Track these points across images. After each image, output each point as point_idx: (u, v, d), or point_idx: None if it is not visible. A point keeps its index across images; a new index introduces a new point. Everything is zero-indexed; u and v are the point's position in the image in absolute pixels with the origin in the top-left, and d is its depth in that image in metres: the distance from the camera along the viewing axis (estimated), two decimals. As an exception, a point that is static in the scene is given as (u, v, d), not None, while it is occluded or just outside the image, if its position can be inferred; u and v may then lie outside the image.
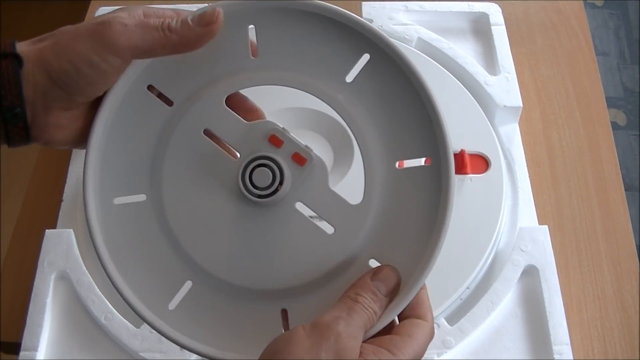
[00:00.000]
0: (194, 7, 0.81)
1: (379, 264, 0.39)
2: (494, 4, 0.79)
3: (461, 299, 0.59)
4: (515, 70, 0.72)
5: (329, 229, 0.39)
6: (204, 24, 0.38)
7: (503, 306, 0.59)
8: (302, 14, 0.39)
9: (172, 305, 0.40)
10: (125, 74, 0.39)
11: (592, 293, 0.62)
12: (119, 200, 0.40)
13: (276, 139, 0.39)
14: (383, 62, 0.39)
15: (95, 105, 0.40)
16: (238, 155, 0.40)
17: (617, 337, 0.59)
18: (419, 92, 0.39)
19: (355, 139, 0.40)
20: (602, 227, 0.66)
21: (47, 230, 0.63)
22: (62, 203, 0.67)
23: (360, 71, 0.39)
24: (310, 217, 0.40)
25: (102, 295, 0.59)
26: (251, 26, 0.40)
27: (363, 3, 0.78)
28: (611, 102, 1.66)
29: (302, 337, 0.35)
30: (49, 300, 0.59)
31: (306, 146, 0.39)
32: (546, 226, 0.62)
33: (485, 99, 0.70)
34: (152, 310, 0.39)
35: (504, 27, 0.77)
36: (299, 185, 0.39)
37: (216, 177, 0.40)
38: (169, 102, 0.41)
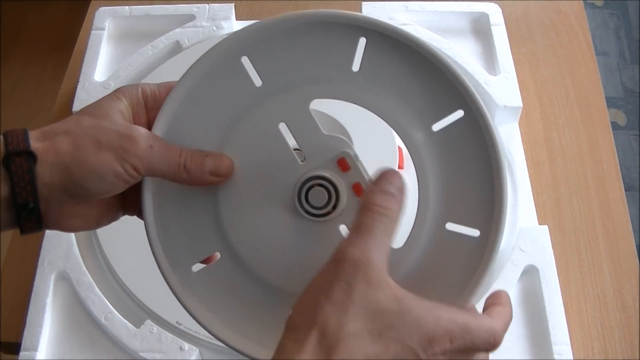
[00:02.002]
0: (194, 8, 0.81)
1: None
2: (494, 4, 0.79)
3: (461, 299, 0.59)
4: (515, 70, 0.72)
5: None
6: (216, 174, 0.40)
7: (503, 306, 0.59)
8: (413, 52, 0.38)
9: (196, 268, 0.41)
10: (224, 40, 0.39)
11: (592, 293, 0.62)
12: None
13: (345, 164, 0.39)
14: (473, 123, 0.38)
15: (110, 198, 0.40)
16: (305, 160, 0.40)
17: (617, 337, 0.59)
18: (492, 167, 0.38)
19: (418, 189, 0.39)
20: (602, 227, 0.66)
21: (47, 230, 0.63)
22: (62, 203, 0.67)
23: (449, 125, 0.39)
24: None
25: (102, 295, 0.59)
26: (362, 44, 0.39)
27: (363, 3, 0.79)
28: (611, 102, 1.66)
29: (318, 279, 0.34)
30: (49, 300, 0.59)
31: (370, 180, 0.39)
32: (546, 226, 0.62)
33: (485, 99, 0.70)
34: (174, 267, 0.41)
35: (504, 27, 0.77)
36: (349, 212, 0.39)
37: (275, 173, 0.40)
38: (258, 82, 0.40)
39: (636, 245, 0.65)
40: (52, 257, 0.61)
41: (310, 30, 0.39)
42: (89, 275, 0.60)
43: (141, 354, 0.56)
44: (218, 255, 0.41)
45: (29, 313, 0.58)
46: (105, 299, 0.59)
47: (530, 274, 0.60)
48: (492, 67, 0.75)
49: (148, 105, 0.41)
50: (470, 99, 0.38)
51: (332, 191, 0.39)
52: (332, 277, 0.33)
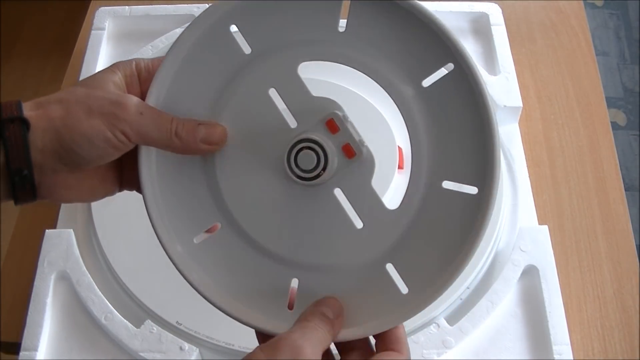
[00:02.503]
0: (194, 8, 0.81)
1: (395, 271, 0.39)
2: (494, 4, 0.79)
3: (461, 299, 0.59)
4: (515, 70, 0.72)
5: (358, 223, 0.39)
6: (209, 142, 0.40)
7: (503, 306, 0.59)
8: (398, 9, 0.38)
9: (198, 239, 0.41)
10: (210, 9, 0.40)
11: (592, 293, 0.62)
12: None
13: (333, 125, 0.39)
14: (461, 77, 0.38)
15: (105, 167, 0.40)
16: (295, 123, 0.40)
17: (617, 337, 0.59)
18: (483, 121, 0.38)
19: (411, 146, 0.39)
20: (602, 227, 0.66)
21: (47, 230, 0.63)
22: (62, 203, 0.67)
23: (438, 80, 0.38)
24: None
25: (102, 295, 0.59)
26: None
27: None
28: (611, 102, 1.66)
29: (257, 353, 0.35)
30: (49, 300, 0.59)
31: (360, 140, 0.39)
32: (546, 226, 0.62)
33: (485, 99, 0.70)
34: (175, 239, 0.41)
35: (504, 27, 0.77)
36: (343, 174, 0.39)
37: (268, 139, 0.40)
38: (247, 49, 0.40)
39: (636, 245, 0.65)
40: (52, 257, 0.61)
41: None
42: (89, 275, 0.60)
43: (141, 354, 0.56)
44: (219, 225, 0.41)
45: (29, 313, 0.58)
46: (105, 299, 0.59)
47: (530, 274, 0.60)
48: (492, 67, 0.75)
49: (141, 77, 0.41)
50: (457, 53, 0.37)
51: (321, 153, 0.38)
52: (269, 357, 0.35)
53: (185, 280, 0.41)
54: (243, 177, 0.41)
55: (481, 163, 0.38)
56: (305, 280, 0.40)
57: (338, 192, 0.40)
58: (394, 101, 0.39)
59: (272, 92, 0.40)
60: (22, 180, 0.37)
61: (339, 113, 0.39)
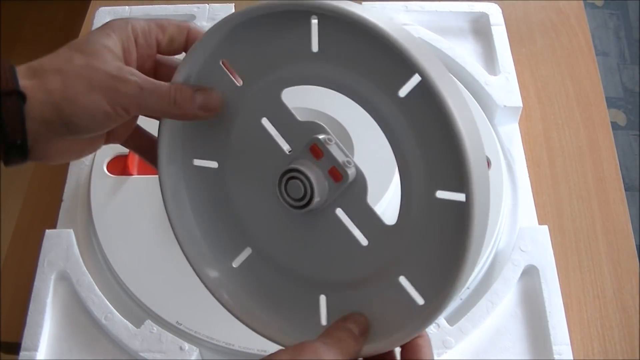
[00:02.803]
0: (194, 8, 0.81)
1: (409, 283, 0.39)
2: (494, 4, 0.79)
3: (461, 299, 0.59)
4: (515, 70, 0.72)
5: (363, 240, 0.40)
6: (206, 108, 0.40)
7: (503, 306, 0.59)
8: (355, 26, 0.37)
9: (236, 263, 0.43)
10: (201, 45, 0.40)
11: (592, 293, 0.62)
12: (198, 162, 0.44)
13: (317, 150, 0.39)
14: (427, 87, 0.36)
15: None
16: (290, 149, 0.40)
17: (617, 337, 0.59)
18: (449, 129, 0.35)
19: (397, 161, 0.38)
20: (602, 227, 0.66)
21: (47, 230, 0.63)
22: (62, 203, 0.67)
23: (412, 90, 0.37)
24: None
25: (102, 295, 0.59)
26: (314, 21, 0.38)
27: (363, 3, 0.79)
28: (611, 102, 1.66)
29: (280, 354, 0.36)
30: (49, 300, 0.59)
31: (346, 162, 0.39)
32: (546, 226, 0.62)
33: (485, 99, 0.70)
34: (214, 266, 0.44)
35: (504, 27, 0.77)
36: (339, 195, 0.39)
37: (270, 168, 0.41)
38: (239, 81, 0.41)
39: (636, 245, 0.65)
40: (52, 257, 0.61)
41: (266, 21, 0.39)
42: (89, 275, 0.60)
43: (141, 354, 0.56)
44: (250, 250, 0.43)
45: (29, 313, 0.58)
46: (105, 299, 0.59)
47: (530, 274, 0.60)
48: (492, 67, 0.75)
49: (138, 42, 0.41)
50: (415, 66, 0.35)
51: (306, 182, 0.38)
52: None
53: (213, 299, 0.44)
54: (256, 202, 0.42)
55: (460, 169, 0.36)
56: (333, 297, 0.41)
57: (340, 212, 0.40)
58: (373, 118, 0.38)
59: (265, 122, 0.41)
60: (16, 149, 0.37)
61: (321, 137, 0.39)
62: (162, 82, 0.40)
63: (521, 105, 0.70)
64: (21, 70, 0.37)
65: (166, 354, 0.56)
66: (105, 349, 0.58)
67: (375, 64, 0.37)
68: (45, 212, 0.68)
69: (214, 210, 0.44)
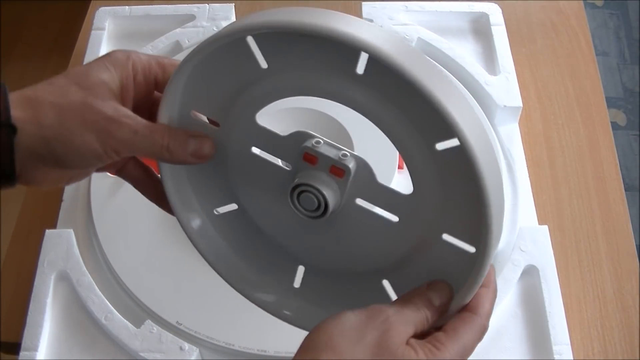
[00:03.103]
0: (194, 8, 0.81)
1: (453, 238, 0.39)
2: (494, 4, 0.79)
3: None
4: (515, 70, 0.72)
5: (394, 217, 0.40)
6: (198, 156, 0.40)
7: (503, 306, 0.59)
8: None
9: (297, 283, 0.44)
10: (168, 102, 0.40)
11: (592, 293, 0.62)
12: (220, 210, 0.44)
13: (310, 157, 0.39)
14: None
15: None
16: (290, 166, 0.41)
17: (617, 337, 0.59)
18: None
19: (415, 194, 0.39)
20: (602, 227, 0.66)
21: (47, 230, 0.63)
22: (62, 203, 0.67)
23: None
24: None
25: (102, 295, 0.59)
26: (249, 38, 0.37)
27: (363, 3, 0.78)
28: (611, 102, 1.66)
29: (350, 316, 0.36)
30: (49, 300, 0.59)
31: (341, 156, 0.39)
32: (546, 226, 0.62)
33: (485, 99, 0.70)
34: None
35: (504, 27, 0.77)
36: (352, 187, 0.39)
37: (278, 186, 0.41)
38: (215, 123, 0.41)
39: (636, 245, 0.65)
40: (52, 257, 0.61)
41: (213, 57, 0.38)
42: (89, 275, 0.60)
43: (141, 354, 0.56)
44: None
45: (29, 313, 0.58)
46: (105, 299, 0.59)
47: (530, 274, 0.60)
48: (492, 67, 0.75)
49: (136, 80, 0.40)
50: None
51: (315, 192, 0.39)
52: (367, 321, 0.36)
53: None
54: (286, 225, 0.43)
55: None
56: (395, 279, 0.42)
57: (360, 202, 0.40)
58: (402, 158, 0.38)
59: (255, 150, 0.41)
60: (5, 179, 0.37)
61: (308, 144, 0.39)
62: (157, 126, 0.39)
63: (521, 105, 0.70)
64: (15, 99, 0.37)
65: (166, 354, 0.56)
66: (105, 349, 0.58)
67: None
68: (45, 212, 0.68)
69: (254, 246, 0.45)
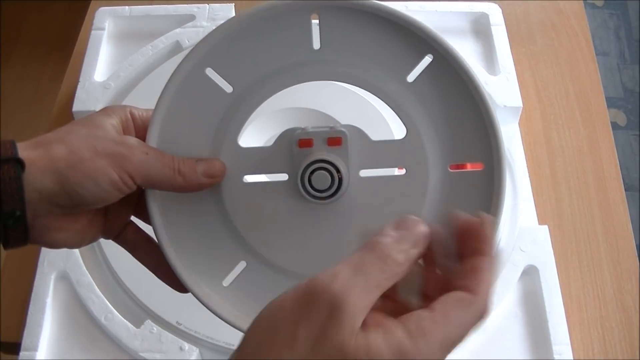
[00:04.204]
0: (194, 8, 0.81)
1: (460, 166, 0.39)
2: (494, 4, 0.79)
3: (461, 299, 0.59)
4: (515, 70, 0.72)
5: (401, 170, 0.40)
6: (209, 175, 0.40)
7: (503, 306, 0.59)
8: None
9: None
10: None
11: (592, 293, 0.62)
12: (228, 280, 0.42)
13: (305, 141, 0.39)
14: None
15: (94, 211, 0.40)
16: (287, 176, 0.41)
17: (617, 337, 0.59)
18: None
19: (409, 137, 0.40)
20: (602, 227, 0.66)
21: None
22: (62, 203, 0.67)
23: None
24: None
25: (102, 295, 0.59)
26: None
27: (363, 3, 0.78)
28: (611, 102, 1.66)
29: (284, 303, 0.28)
30: (49, 300, 0.59)
31: (330, 128, 0.40)
32: (546, 226, 0.62)
33: (485, 99, 0.70)
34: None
35: (504, 27, 0.77)
36: (351, 156, 0.40)
37: (272, 165, 0.41)
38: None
39: (636, 245, 0.65)
40: (52, 257, 0.61)
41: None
42: (89, 275, 0.60)
43: (141, 354, 0.56)
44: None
45: (29, 313, 0.58)
46: (105, 299, 0.59)
47: (530, 274, 0.60)
48: (492, 67, 0.75)
49: (136, 124, 0.41)
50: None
51: (327, 165, 0.39)
52: (300, 313, 0.27)
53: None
54: (256, 207, 0.42)
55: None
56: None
57: (364, 172, 0.40)
58: (383, 101, 0.40)
59: (248, 178, 0.41)
60: (14, 222, 0.36)
61: (297, 132, 0.40)
62: (165, 152, 0.40)
63: (521, 105, 0.70)
64: (24, 144, 0.37)
65: (166, 354, 0.56)
66: (105, 349, 0.58)
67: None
68: (45, 212, 0.68)
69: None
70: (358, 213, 0.41)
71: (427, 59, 0.39)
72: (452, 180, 0.40)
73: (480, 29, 0.78)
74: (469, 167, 0.40)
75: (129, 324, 0.58)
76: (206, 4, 0.80)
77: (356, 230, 0.40)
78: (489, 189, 0.39)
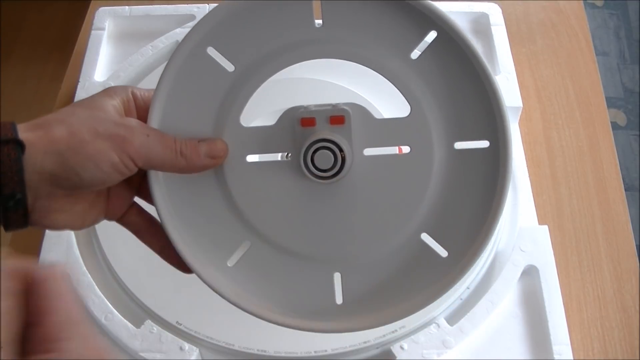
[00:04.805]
0: (194, 8, 0.81)
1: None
2: (494, 4, 0.79)
3: (461, 299, 0.59)
4: (515, 70, 0.72)
5: (405, 148, 0.40)
6: (212, 156, 0.40)
7: (503, 306, 0.59)
8: None
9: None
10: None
11: (592, 293, 0.62)
12: (234, 257, 0.42)
13: (307, 120, 0.39)
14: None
15: (96, 192, 0.40)
16: (290, 156, 0.40)
17: (617, 337, 0.59)
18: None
19: (413, 117, 0.40)
20: (602, 227, 0.66)
21: (47, 230, 0.63)
22: (62, 203, 0.67)
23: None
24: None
25: (102, 295, 0.59)
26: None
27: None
28: (611, 102, 1.66)
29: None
30: (49, 300, 0.59)
31: (333, 105, 0.39)
32: (546, 226, 0.62)
33: (485, 99, 0.70)
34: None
35: (504, 27, 0.77)
36: (354, 134, 0.39)
37: (277, 145, 0.41)
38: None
39: (636, 245, 0.65)
40: (52, 257, 0.61)
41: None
42: (89, 275, 0.60)
43: (141, 354, 0.56)
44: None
45: (29, 313, 0.58)
46: (105, 299, 0.59)
47: (530, 274, 0.60)
48: (492, 67, 0.74)
49: (137, 104, 0.41)
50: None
51: (330, 144, 0.39)
52: None
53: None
54: (260, 188, 0.41)
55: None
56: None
57: (368, 151, 0.40)
58: (386, 78, 0.40)
59: (250, 158, 0.41)
60: (15, 204, 0.35)
61: (299, 111, 0.39)
62: (167, 134, 0.39)
63: (521, 105, 0.70)
64: (24, 125, 0.36)
65: (166, 354, 0.56)
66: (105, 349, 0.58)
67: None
68: (45, 212, 0.68)
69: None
70: (362, 192, 0.40)
71: (431, 36, 0.39)
72: (457, 159, 0.39)
73: (480, 29, 0.78)
74: (475, 145, 0.40)
75: (129, 324, 0.58)
76: (206, 4, 0.80)
77: (360, 209, 0.40)
78: (494, 168, 0.39)
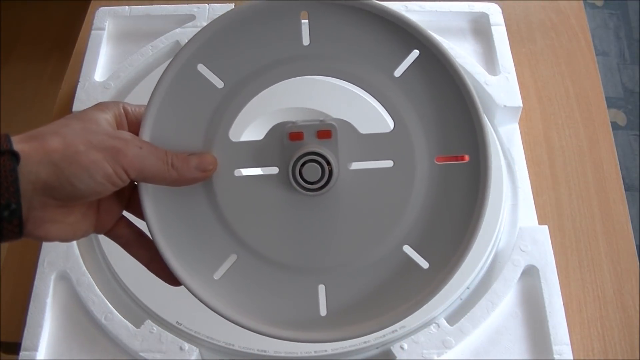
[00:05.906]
0: (194, 8, 0.81)
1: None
2: (494, 4, 0.79)
3: (461, 299, 0.59)
4: (515, 70, 0.72)
5: (388, 163, 0.41)
6: (202, 169, 0.40)
7: (503, 306, 0.59)
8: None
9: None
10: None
11: (592, 293, 0.62)
12: (221, 270, 0.42)
13: (295, 134, 0.40)
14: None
15: (88, 204, 0.40)
16: (277, 169, 0.41)
17: (617, 337, 0.59)
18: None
19: (397, 130, 0.41)
20: (602, 227, 0.66)
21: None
22: (62, 203, 0.67)
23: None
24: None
25: (102, 295, 0.59)
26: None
27: (363, 3, 0.78)
28: (611, 102, 1.66)
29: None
30: (49, 300, 0.59)
31: (319, 121, 0.40)
32: (546, 226, 0.62)
33: (485, 99, 0.70)
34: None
35: (504, 27, 0.77)
36: (341, 149, 0.40)
37: (265, 159, 0.41)
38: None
39: (636, 245, 0.65)
40: (52, 257, 0.61)
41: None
42: (89, 275, 0.60)
43: (141, 354, 0.56)
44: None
45: (29, 313, 0.58)
46: (105, 299, 0.59)
47: (530, 274, 0.60)
48: (492, 67, 0.75)
49: (129, 119, 0.42)
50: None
51: (318, 158, 0.40)
52: None
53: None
54: (247, 200, 0.42)
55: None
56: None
57: (354, 165, 0.41)
58: (371, 95, 0.41)
59: (238, 172, 0.41)
60: (10, 215, 0.36)
61: (287, 125, 0.40)
62: (158, 147, 0.40)
63: (521, 105, 0.70)
64: (18, 137, 0.37)
65: (166, 354, 0.56)
66: (105, 349, 0.58)
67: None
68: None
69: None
70: (346, 206, 0.41)
71: (414, 55, 0.40)
72: (439, 173, 0.41)
73: (480, 29, 0.78)
74: (456, 160, 0.41)
75: (129, 324, 0.58)
76: (206, 4, 0.80)
77: (344, 222, 0.41)
78: (475, 182, 0.40)
